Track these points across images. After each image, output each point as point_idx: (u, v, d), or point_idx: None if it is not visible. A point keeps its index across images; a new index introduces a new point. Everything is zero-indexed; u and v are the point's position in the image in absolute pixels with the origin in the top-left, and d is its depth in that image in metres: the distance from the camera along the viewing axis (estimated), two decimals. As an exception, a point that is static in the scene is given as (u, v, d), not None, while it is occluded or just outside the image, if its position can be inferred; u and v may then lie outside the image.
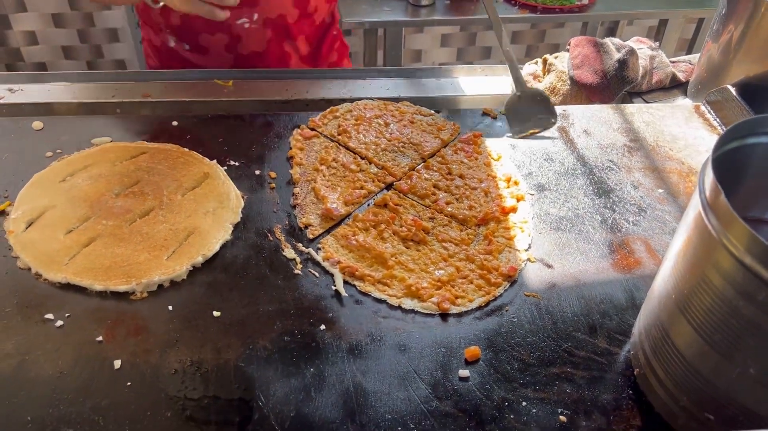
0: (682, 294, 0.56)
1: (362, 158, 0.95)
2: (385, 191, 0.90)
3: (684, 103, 1.16)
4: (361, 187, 0.89)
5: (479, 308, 0.74)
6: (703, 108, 1.10)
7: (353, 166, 0.93)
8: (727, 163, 0.57)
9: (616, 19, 2.67)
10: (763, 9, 0.98)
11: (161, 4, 1.01)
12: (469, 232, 0.84)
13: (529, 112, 1.04)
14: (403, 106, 1.07)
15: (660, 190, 0.92)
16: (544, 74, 1.20)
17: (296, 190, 0.88)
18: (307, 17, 1.29)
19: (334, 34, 1.41)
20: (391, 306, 0.74)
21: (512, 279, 0.77)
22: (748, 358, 0.52)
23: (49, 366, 0.65)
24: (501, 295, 0.76)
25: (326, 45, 1.39)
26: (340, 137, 0.98)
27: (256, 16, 1.22)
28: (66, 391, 0.63)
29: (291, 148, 0.96)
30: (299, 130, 0.99)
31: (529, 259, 0.80)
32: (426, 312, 0.73)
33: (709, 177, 0.52)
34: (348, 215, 0.85)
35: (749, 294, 0.49)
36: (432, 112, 1.06)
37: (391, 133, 1.00)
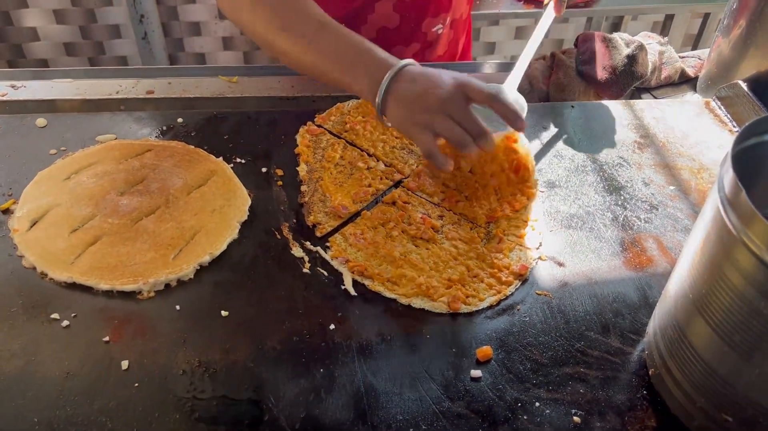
0: (700, 293, 0.55)
1: (369, 155, 0.94)
2: (393, 189, 0.89)
3: (694, 98, 1.15)
4: (369, 185, 0.88)
5: (490, 307, 0.73)
6: (713, 104, 1.09)
7: (360, 164, 0.91)
8: (745, 160, 0.56)
9: (621, 14, 2.64)
10: (775, 3, 0.97)
11: (389, 124, 0.88)
12: (479, 230, 0.83)
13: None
14: None
15: (671, 187, 0.91)
16: (551, 70, 1.18)
17: (303, 187, 0.87)
18: (468, 13, 1.30)
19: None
20: (401, 306, 0.73)
21: (523, 277, 0.76)
22: (769, 359, 0.51)
23: (56, 367, 0.64)
24: (512, 294, 0.75)
25: (468, 39, 1.39)
26: (347, 134, 0.97)
27: (448, 20, 1.21)
28: (73, 392, 0.62)
29: (298, 145, 0.94)
30: (306, 127, 0.98)
31: (540, 257, 0.79)
32: (436, 311, 0.72)
33: (729, 174, 0.51)
34: (356, 213, 0.84)
35: (770, 294, 0.48)
36: None
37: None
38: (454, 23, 1.24)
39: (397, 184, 0.90)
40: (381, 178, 0.90)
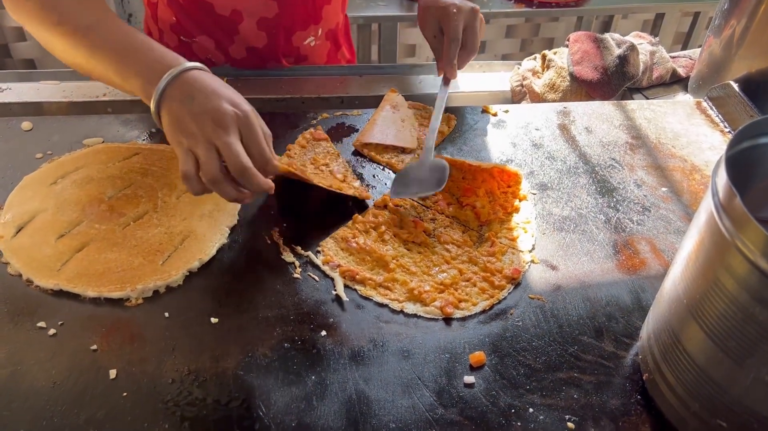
0: (694, 298, 0.55)
1: (363, 157, 0.93)
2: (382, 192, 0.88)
3: (685, 98, 1.15)
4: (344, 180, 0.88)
5: (483, 312, 0.72)
6: (704, 104, 1.09)
7: (339, 176, 0.89)
8: (738, 163, 0.56)
9: (611, 14, 2.65)
10: (766, 4, 0.97)
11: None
12: (472, 234, 0.82)
13: (420, 179, 0.87)
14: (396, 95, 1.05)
15: (663, 189, 0.91)
16: (543, 70, 1.18)
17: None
18: (345, 19, 1.27)
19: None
20: (393, 311, 0.72)
21: (516, 281, 0.76)
22: (763, 364, 0.50)
23: (42, 377, 0.63)
24: (505, 298, 0.74)
25: (351, 50, 1.36)
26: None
27: (320, 32, 1.19)
28: (60, 402, 0.61)
29: (294, 142, 0.93)
30: (313, 130, 0.96)
31: (532, 261, 0.79)
32: (429, 316, 0.72)
33: (722, 178, 0.51)
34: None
35: (764, 299, 0.48)
36: (423, 105, 1.05)
37: (389, 132, 0.97)
38: (331, 34, 1.22)
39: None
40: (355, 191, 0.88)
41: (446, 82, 0.99)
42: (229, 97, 0.72)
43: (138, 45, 0.75)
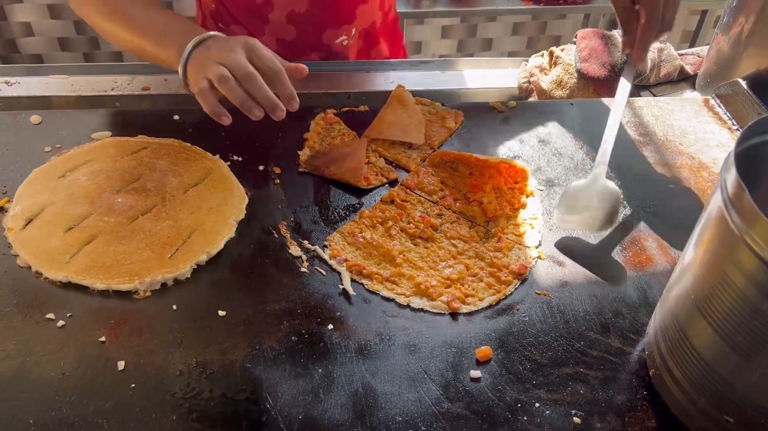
0: (702, 294, 0.55)
1: (373, 150, 0.94)
2: (389, 187, 0.88)
3: (693, 96, 1.14)
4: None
5: (490, 307, 0.72)
6: (712, 101, 1.08)
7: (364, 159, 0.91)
8: (747, 160, 0.56)
9: (618, 11, 2.65)
10: (775, 1, 0.96)
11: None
12: (478, 229, 0.82)
13: (588, 204, 0.79)
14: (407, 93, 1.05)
15: (671, 185, 0.90)
16: (550, 67, 1.18)
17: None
18: (385, 17, 1.26)
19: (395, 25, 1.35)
20: (400, 305, 0.72)
21: (523, 277, 0.76)
22: (771, 360, 0.51)
23: (51, 368, 0.63)
24: (511, 294, 0.74)
25: (398, 39, 1.34)
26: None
27: (354, 31, 1.18)
28: (68, 393, 0.61)
29: (309, 131, 0.95)
30: (323, 115, 0.98)
31: (539, 256, 0.79)
32: (435, 311, 0.72)
33: (732, 174, 0.51)
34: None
35: (773, 295, 0.48)
36: (430, 101, 1.05)
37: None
38: (365, 33, 1.21)
39: (394, 183, 0.89)
40: (377, 174, 0.89)
41: (633, 65, 0.85)
42: (241, 37, 0.83)
43: (173, 24, 0.88)
